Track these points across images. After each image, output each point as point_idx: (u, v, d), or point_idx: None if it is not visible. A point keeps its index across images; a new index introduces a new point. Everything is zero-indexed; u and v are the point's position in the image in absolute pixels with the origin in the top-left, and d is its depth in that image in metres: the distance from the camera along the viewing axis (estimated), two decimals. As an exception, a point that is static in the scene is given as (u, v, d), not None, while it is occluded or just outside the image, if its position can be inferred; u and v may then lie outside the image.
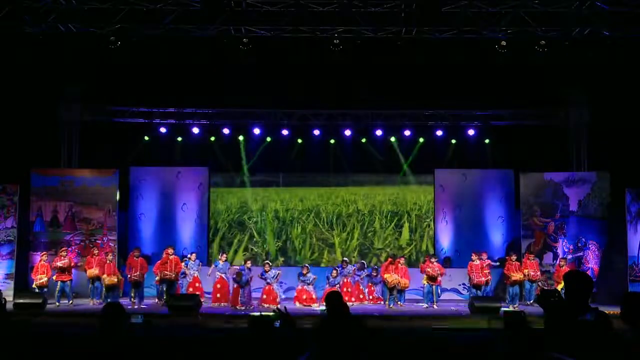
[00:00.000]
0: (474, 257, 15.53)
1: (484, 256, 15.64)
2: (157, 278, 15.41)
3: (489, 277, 15.44)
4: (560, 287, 14.39)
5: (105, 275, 15.21)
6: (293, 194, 18.72)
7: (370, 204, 18.58)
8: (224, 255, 16.15)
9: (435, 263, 15.65)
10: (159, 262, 15.52)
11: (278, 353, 4.70)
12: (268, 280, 15.31)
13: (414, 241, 18.32)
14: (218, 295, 15.38)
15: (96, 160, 17.18)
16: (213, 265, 15.97)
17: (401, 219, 18.42)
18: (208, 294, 15.86)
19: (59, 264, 15.12)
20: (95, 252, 15.81)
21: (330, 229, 18.47)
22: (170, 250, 15.64)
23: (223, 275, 15.54)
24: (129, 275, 15.36)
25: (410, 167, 18.28)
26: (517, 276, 15.30)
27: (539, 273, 15.66)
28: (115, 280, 15.28)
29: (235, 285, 15.16)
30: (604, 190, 16.56)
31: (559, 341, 4.28)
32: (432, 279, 15.43)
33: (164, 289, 15.38)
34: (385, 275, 15.29)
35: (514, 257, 15.65)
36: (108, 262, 15.42)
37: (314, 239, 18.40)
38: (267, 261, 16.10)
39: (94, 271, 15.33)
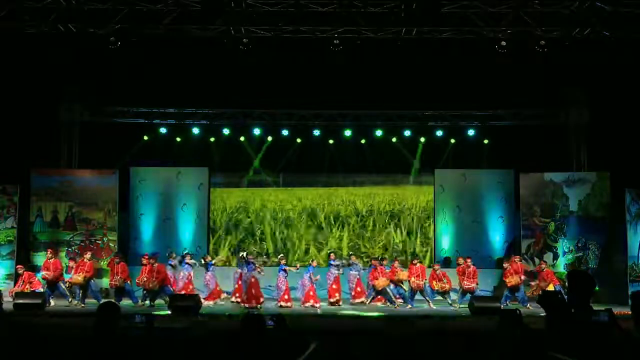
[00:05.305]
0: (460, 260, 15.38)
1: (469, 261, 15.22)
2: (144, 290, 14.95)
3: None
4: (550, 287, 14.37)
5: (73, 274, 14.74)
6: (292, 194, 18.71)
7: (369, 204, 18.57)
8: (244, 253, 15.77)
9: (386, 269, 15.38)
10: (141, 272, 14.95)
11: (271, 352, 4.70)
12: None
13: (412, 242, 18.32)
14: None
15: (96, 160, 17.17)
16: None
17: (400, 219, 18.42)
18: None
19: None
20: (88, 256, 15.10)
21: (329, 229, 18.46)
22: (144, 260, 15.11)
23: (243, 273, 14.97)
24: (110, 282, 15.09)
25: (411, 167, 18.30)
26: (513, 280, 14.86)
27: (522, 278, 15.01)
28: (80, 279, 14.58)
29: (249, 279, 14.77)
30: (604, 190, 16.56)
31: (560, 341, 4.28)
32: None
33: (149, 299, 14.83)
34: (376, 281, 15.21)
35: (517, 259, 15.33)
36: (86, 260, 14.91)
37: (312, 239, 18.39)
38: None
39: (77, 277, 14.64)
